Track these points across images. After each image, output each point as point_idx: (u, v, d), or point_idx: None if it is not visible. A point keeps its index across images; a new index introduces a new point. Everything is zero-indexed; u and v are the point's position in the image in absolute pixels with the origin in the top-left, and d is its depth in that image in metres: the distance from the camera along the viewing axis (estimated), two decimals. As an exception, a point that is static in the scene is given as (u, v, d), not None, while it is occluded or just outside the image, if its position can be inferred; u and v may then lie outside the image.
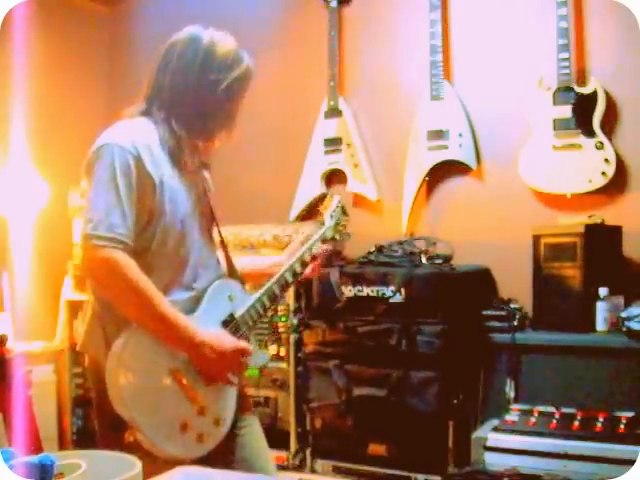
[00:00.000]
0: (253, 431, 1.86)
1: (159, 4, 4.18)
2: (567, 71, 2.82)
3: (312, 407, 2.80)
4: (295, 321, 2.91)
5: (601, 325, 2.55)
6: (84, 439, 3.60)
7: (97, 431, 1.74)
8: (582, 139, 2.79)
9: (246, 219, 3.21)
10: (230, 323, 1.75)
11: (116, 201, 1.57)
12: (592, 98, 2.80)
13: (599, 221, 2.70)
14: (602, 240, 2.66)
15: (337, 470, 2.78)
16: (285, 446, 2.88)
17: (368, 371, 2.68)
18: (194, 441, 1.61)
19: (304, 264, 1.97)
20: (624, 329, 2.43)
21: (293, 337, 2.91)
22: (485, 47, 3.14)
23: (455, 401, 2.57)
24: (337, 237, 2.13)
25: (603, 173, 2.75)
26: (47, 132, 3.84)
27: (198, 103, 1.72)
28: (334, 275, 2.77)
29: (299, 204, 3.46)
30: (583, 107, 2.80)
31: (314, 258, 2.00)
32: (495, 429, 2.32)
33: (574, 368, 2.49)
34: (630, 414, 2.27)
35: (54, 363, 3.67)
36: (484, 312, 2.73)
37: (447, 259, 2.80)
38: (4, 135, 3.68)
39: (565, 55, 2.82)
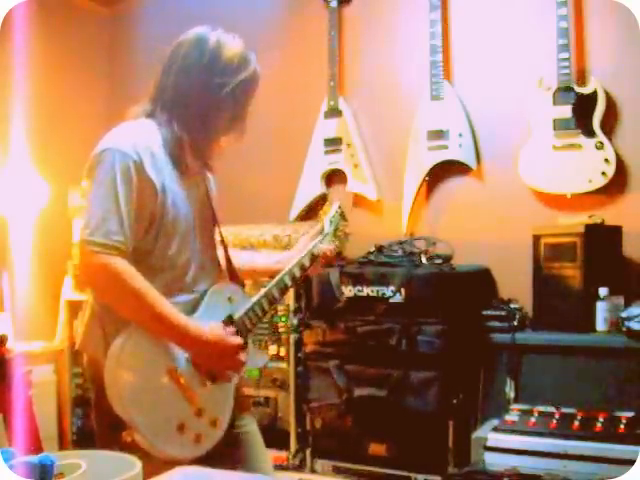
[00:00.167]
0: (251, 431, 1.86)
1: (159, 4, 4.18)
2: (567, 71, 2.82)
3: (312, 407, 2.80)
4: (295, 321, 2.91)
5: (601, 325, 2.55)
6: (84, 439, 3.60)
7: (96, 430, 1.74)
8: (582, 139, 2.79)
9: (246, 219, 3.22)
10: (229, 325, 1.75)
11: (114, 207, 1.56)
12: (592, 98, 2.80)
13: (599, 221, 2.70)
14: (602, 240, 2.66)
15: (337, 470, 2.78)
16: (285, 446, 2.88)
17: (368, 371, 2.68)
18: (191, 442, 1.62)
19: (303, 269, 1.97)
20: (624, 329, 2.43)
21: (293, 337, 2.92)
22: (485, 47, 3.14)
23: (455, 401, 2.57)
24: (337, 242, 2.13)
25: (603, 173, 2.75)
26: (47, 132, 3.84)
27: (202, 105, 1.71)
28: (334, 275, 2.77)
29: (299, 204, 3.46)
30: (583, 107, 2.80)
31: (316, 258, 2.00)
32: (495, 429, 2.32)
33: (574, 368, 2.49)
34: (630, 414, 2.27)
35: (54, 363, 3.67)
36: (484, 312, 2.73)
37: (447, 259, 2.80)
38: (4, 135, 3.68)
39: (565, 55, 2.82)
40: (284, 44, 3.62)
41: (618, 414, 2.28)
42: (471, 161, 3.09)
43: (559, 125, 2.84)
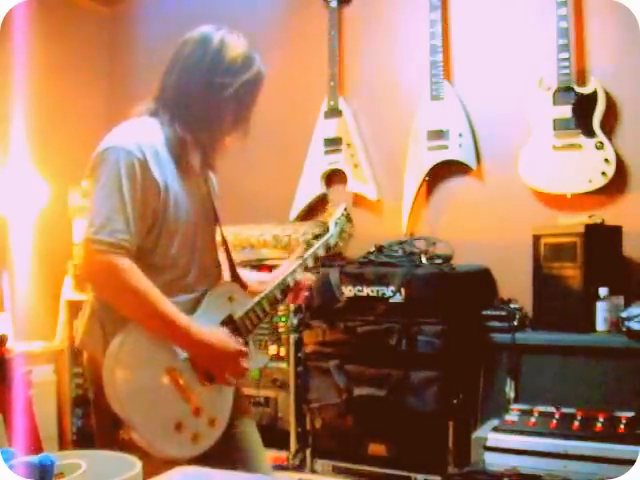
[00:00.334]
0: (249, 432, 1.86)
1: (159, 4, 4.18)
2: (567, 71, 2.82)
3: (312, 407, 2.80)
4: (295, 321, 2.91)
5: (601, 325, 2.55)
6: (84, 439, 3.60)
7: (95, 429, 1.74)
8: (582, 139, 2.79)
9: (246, 219, 3.22)
10: (228, 325, 1.74)
11: (120, 206, 1.56)
12: (592, 98, 2.80)
13: (599, 221, 2.70)
14: (602, 240, 2.66)
15: (337, 470, 2.78)
16: (285, 446, 2.87)
17: (368, 371, 2.68)
18: (189, 441, 1.62)
19: (306, 269, 1.96)
20: (624, 329, 2.43)
21: (293, 337, 2.91)
22: (485, 47, 3.14)
23: (455, 401, 2.57)
24: (341, 244, 2.12)
25: (603, 173, 2.75)
26: (47, 132, 3.84)
27: (204, 105, 1.70)
28: (334, 275, 2.77)
29: (299, 204, 3.46)
30: (583, 107, 2.80)
31: (298, 286, 1.94)
32: (495, 429, 2.32)
33: (574, 368, 2.49)
34: (630, 414, 2.27)
35: (54, 363, 3.67)
36: (484, 312, 2.73)
37: (447, 259, 2.80)
38: (4, 135, 3.68)
39: (565, 55, 2.82)
40: (284, 44, 3.62)
41: (618, 414, 2.28)
42: (471, 161, 3.09)
43: (559, 125, 2.84)
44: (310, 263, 1.98)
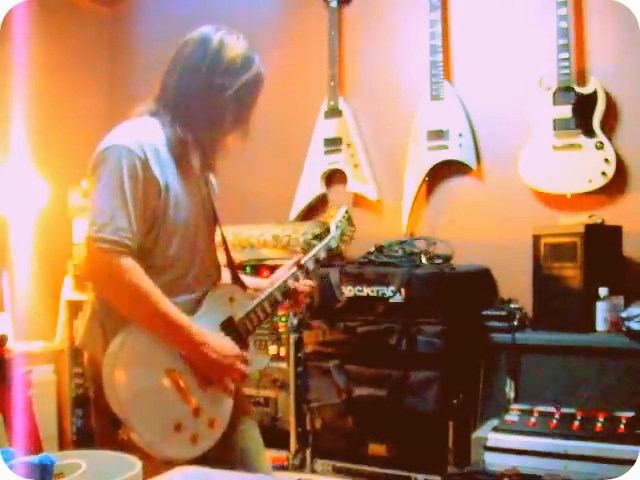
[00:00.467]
0: (250, 433, 1.85)
1: (159, 4, 4.18)
2: (567, 71, 2.82)
3: (312, 407, 2.80)
4: (295, 321, 2.91)
5: (601, 325, 2.55)
6: (84, 439, 3.60)
7: (95, 429, 1.74)
8: (582, 139, 2.79)
9: (246, 219, 3.21)
10: (229, 326, 1.74)
11: (122, 204, 1.56)
12: (592, 98, 2.80)
13: (599, 221, 2.70)
14: (602, 240, 2.66)
15: (337, 470, 2.78)
16: (285, 446, 2.87)
17: (368, 371, 2.68)
18: (188, 442, 1.61)
19: (307, 272, 1.96)
20: (624, 329, 2.43)
21: (293, 337, 2.91)
22: (485, 47, 3.14)
23: (455, 401, 2.57)
24: (342, 247, 2.12)
25: (603, 173, 2.75)
26: (47, 132, 3.84)
27: (204, 106, 1.70)
28: (334, 275, 2.77)
29: (299, 204, 3.46)
30: (583, 107, 2.80)
31: (298, 293, 1.92)
32: (495, 429, 2.32)
33: (574, 368, 2.49)
34: (630, 414, 2.27)
35: (54, 363, 3.67)
36: (484, 312, 2.73)
37: (447, 259, 2.80)
38: (4, 135, 3.68)
39: (565, 55, 2.82)
40: (284, 44, 3.62)
41: (618, 414, 2.28)
42: (471, 161, 3.09)
43: (559, 125, 2.84)
44: (311, 266, 1.98)
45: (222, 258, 1.91)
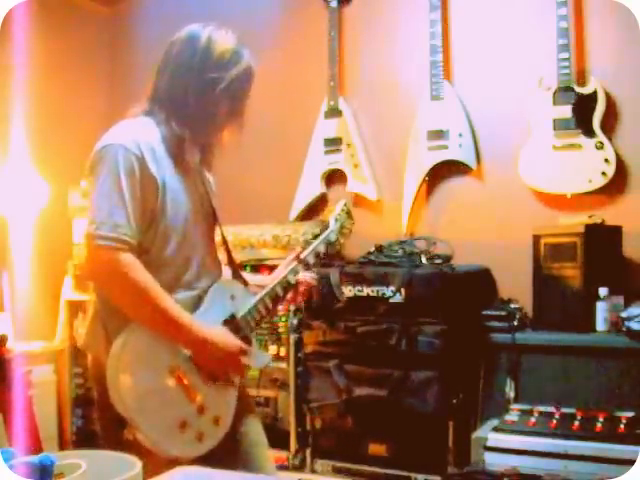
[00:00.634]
0: (254, 432, 1.86)
1: (159, 4, 4.18)
2: (567, 71, 2.82)
3: (312, 407, 2.80)
4: (295, 321, 2.91)
5: (601, 325, 2.55)
6: (84, 439, 3.59)
7: (100, 429, 1.74)
8: (582, 139, 2.79)
9: (246, 219, 3.22)
10: (231, 323, 1.74)
11: (120, 201, 1.57)
12: (592, 98, 2.80)
13: (599, 221, 2.70)
14: (602, 240, 2.66)
15: (337, 470, 2.78)
16: (285, 446, 2.87)
17: (368, 371, 2.68)
18: (194, 440, 1.61)
19: (307, 266, 1.97)
20: (624, 329, 2.43)
21: (293, 337, 2.91)
22: (485, 47, 3.14)
23: (455, 401, 2.57)
24: (342, 240, 2.12)
25: (603, 173, 2.75)
26: (47, 132, 3.84)
27: (197, 103, 1.71)
28: (334, 275, 2.77)
29: (299, 204, 3.46)
30: (583, 107, 2.80)
31: (300, 286, 1.95)
32: (495, 429, 2.32)
33: (574, 368, 2.49)
34: (630, 414, 2.27)
35: (54, 363, 3.67)
36: (484, 312, 2.73)
37: (447, 259, 2.80)
38: (4, 135, 3.68)
39: (565, 55, 2.82)
40: (284, 44, 3.62)
41: (618, 414, 2.28)
42: (471, 161, 3.09)
43: (559, 125, 2.84)
44: (311, 260, 1.98)
45: (222, 257, 1.91)
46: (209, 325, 1.68)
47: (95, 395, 1.72)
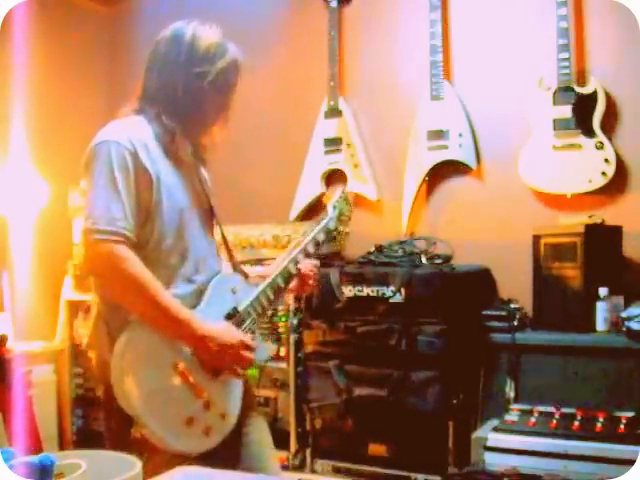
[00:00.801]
0: (259, 430, 1.86)
1: (159, 4, 4.18)
2: (567, 71, 2.82)
3: (312, 407, 2.80)
4: (295, 321, 2.91)
5: (601, 325, 2.55)
6: (84, 439, 3.59)
7: (105, 429, 1.74)
8: (582, 139, 2.79)
9: (246, 219, 3.21)
10: (234, 316, 1.74)
11: (116, 195, 1.57)
12: (592, 98, 2.80)
13: (599, 221, 2.70)
14: (602, 240, 2.66)
15: (337, 470, 2.78)
16: (285, 446, 2.87)
17: (368, 371, 2.68)
18: (201, 435, 1.62)
19: (307, 255, 1.97)
20: (624, 329, 2.43)
21: (293, 337, 2.91)
22: (485, 47, 3.14)
23: (455, 401, 2.57)
24: (341, 228, 2.10)
25: (603, 173, 2.75)
26: (47, 132, 3.84)
27: (186, 97, 1.72)
28: (334, 275, 2.77)
29: (299, 204, 3.46)
30: (583, 107, 2.80)
31: (303, 276, 1.95)
32: (495, 429, 2.32)
33: (574, 368, 2.49)
34: (630, 414, 2.27)
35: (54, 363, 3.67)
36: (484, 312, 2.73)
37: (447, 259, 2.80)
38: (4, 135, 3.68)
39: (565, 55, 2.82)
40: (284, 44, 3.61)
41: (618, 414, 2.28)
42: (471, 161, 3.09)
43: (559, 125, 2.84)
44: (310, 248, 1.98)
45: (222, 255, 1.91)
46: (211, 320, 1.68)
47: (101, 395, 1.71)
